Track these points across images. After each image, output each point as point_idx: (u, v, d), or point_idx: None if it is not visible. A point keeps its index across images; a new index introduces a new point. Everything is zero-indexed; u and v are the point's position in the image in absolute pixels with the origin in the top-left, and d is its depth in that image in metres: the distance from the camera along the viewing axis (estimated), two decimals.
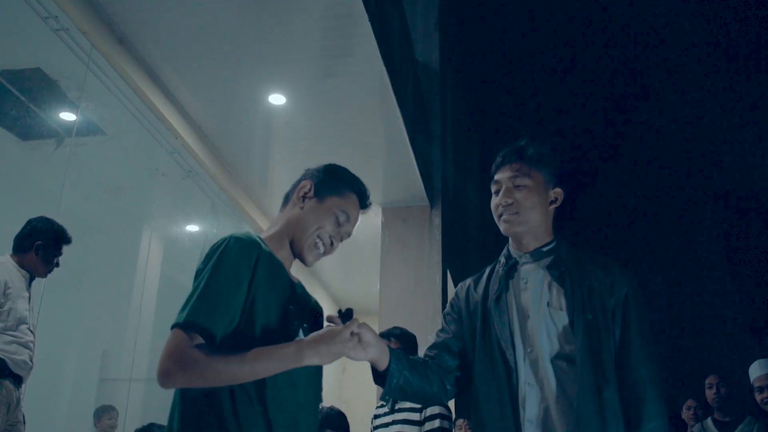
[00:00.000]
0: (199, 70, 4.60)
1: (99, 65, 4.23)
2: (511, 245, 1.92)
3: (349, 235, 1.66)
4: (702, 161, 13.23)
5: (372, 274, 6.58)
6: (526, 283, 1.85)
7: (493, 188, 1.92)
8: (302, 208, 1.62)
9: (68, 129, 4.67)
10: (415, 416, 3.14)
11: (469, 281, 2.01)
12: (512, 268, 1.89)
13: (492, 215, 1.93)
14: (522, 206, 1.84)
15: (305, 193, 1.64)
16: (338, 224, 1.62)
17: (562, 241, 1.89)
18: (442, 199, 6.49)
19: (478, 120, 11.86)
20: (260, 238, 1.56)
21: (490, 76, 12.57)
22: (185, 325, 1.35)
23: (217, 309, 1.38)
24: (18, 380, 3.28)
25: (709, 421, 4.13)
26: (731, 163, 13.15)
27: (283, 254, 1.59)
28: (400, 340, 3.28)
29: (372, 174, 5.98)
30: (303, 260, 1.61)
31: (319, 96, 4.88)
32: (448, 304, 2.03)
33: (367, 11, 4.00)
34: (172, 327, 1.36)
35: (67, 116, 4.73)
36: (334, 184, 1.65)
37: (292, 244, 1.61)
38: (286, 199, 1.69)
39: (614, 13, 12.65)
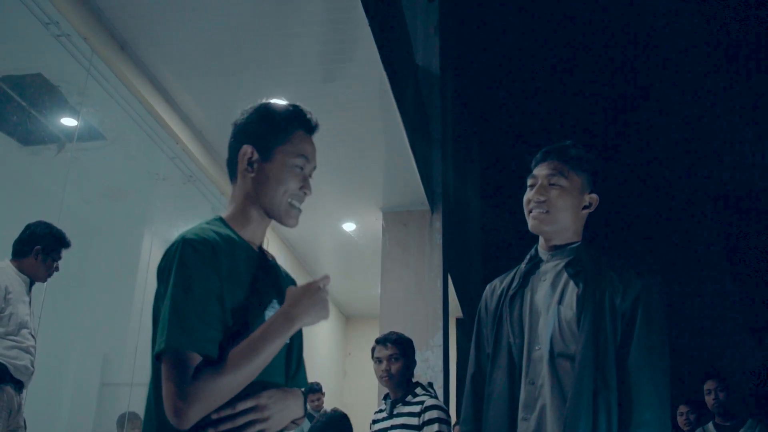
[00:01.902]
0: (200, 75, 4.61)
1: (100, 71, 4.24)
2: (540, 244, 1.93)
3: (314, 169, 1.52)
4: (702, 161, 13.23)
5: (373, 278, 6.59)
6: (543, 281, 1.85)
7: (529, 182, 1.91)
8: (254, 176, 1.45)
9: (69, 134, 4.67)
10: (414, 421, 3.14)
11: (495, 281, 2.01)
12: (535, 265, 1.90)
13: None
14: (554, 205, 1.84)
15: (249, 159, 1.46)
16: (300, 172, 1.47)
17: (587, 243, 1.89)
18: (442, 203, 6.50)
19: (478, 124, 11.87)
20: (221, 220, 1.45)
21: (491, 80, 12.58)
22: (170, 352, 1.22)
23: (200, 323, 1.24)
24: (19, 385, 3.29)
25: (710, 425, 4.10)
26: (731, 163, 13.14)
27: (250, 231, 1.46)
28: (397, 344, 3.28)
29: (372, 178, 5.99)
30: (285, 224, 1.48)
31: (320, 100, 4.88)
32: (480, 307, 2.02)
33: (367, 16, 4.01)
34: (157, 356, 1.24)
35: (68, 121, 4.73)
36: (274, 133, 1.48)
37: (263, 214, 1.47)
38: (232, 171, 1.50)
39: (614, 13, 12.65)
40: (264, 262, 1.48)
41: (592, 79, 13.15)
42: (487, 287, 2.02)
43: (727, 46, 12.86)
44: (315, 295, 1.36)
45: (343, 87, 4.72)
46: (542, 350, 1.75)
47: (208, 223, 1.43)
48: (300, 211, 1.50)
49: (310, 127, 1.53)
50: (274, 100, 1.57)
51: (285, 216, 1.47)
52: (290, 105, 1.55)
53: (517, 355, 1.79)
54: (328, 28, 4.18)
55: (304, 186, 1.48)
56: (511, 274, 1.96)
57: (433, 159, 6.63)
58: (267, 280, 1.44)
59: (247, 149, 1.47)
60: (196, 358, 1.22)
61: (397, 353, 3.25)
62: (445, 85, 7.27)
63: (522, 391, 1.76)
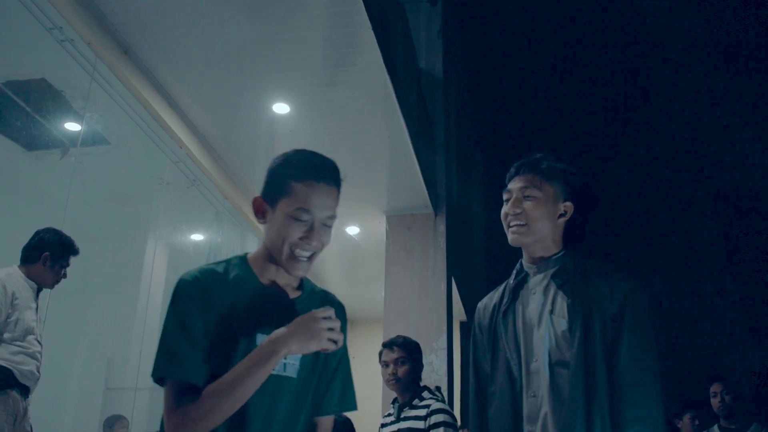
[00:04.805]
0: (203, 79, 4.61)
1: (103, 75, 4.25)
2: (523, 258, 1.94)
3: (331, 218, 1.47)
4: (702, 161, 13.26)
5: (376, 282, 6.59)
6: (533, 294, 1.87)
7: (505, 197, 1.94)
8: (265, 225, 1.48)
9: (73, 139, 4.67)
10: (420, 424, 3.15)
11: (485, 298, 2.03)
12: (523, 279, 1.92)
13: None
14: (530, 217, 1.86)
15: (259, 210, 1.49)
16: (303, 223, 1.43)
17: (570, 251, 1.90)
18: (446, 207, 6.49)
19: (481, 127, 11.89)
20: (243, 258, 1.50)
21: (493, 83, 12.60)
22: (162, 380, 1.33)
23: (183, 354, 1.32)
24: (25, 390, 3.29)
25: (715, 428, 4.09)
26: (731, 163, 13.18)
27: (271, 272, 1.49)
28: (404, 348, 3.29)
29: (376, 182, 5.99)
30: (289, 273, 1.47)
31: (323, 105, 4.89)
32: (474, 326, 2.04)
33: (371, 20, 4.01)
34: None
35: (72, 126, 4.74)
36: (277, 186, 1.45)
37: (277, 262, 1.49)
38: None
39: (614, 14, 12.68)
40: (282, 300, 1.50)
41: (593, 81, 13.18)
42: (478, 306, 2.04)
43: (727, 46, 12.88)
44: (309, 323, 1.37)
45: (346, 91, 4.72)
46: (539, 362, 1.77)
47: (226, 261, 1.49)
48: (307, 261, 1.47)
49: (318, 176, 1.46)
50: (299, 149, 1.52)
51: (288, 265, 1.46)
52: (301, 156, 1.50)
53: (516, 370, 1.81)
54: (331, 33, 4.19)
55: (307, 237, 1.44)
56: (500, 290, 1.98)
57: (436, 162, 6.62)
58: (279, 317, 1.44)
59: (255, 201, 1.50)
60: (183, 386, 1.31)
61: (403, 356, 3.27)
62: (448, 88, 7.27)
63: (525, 405, 1.78)
